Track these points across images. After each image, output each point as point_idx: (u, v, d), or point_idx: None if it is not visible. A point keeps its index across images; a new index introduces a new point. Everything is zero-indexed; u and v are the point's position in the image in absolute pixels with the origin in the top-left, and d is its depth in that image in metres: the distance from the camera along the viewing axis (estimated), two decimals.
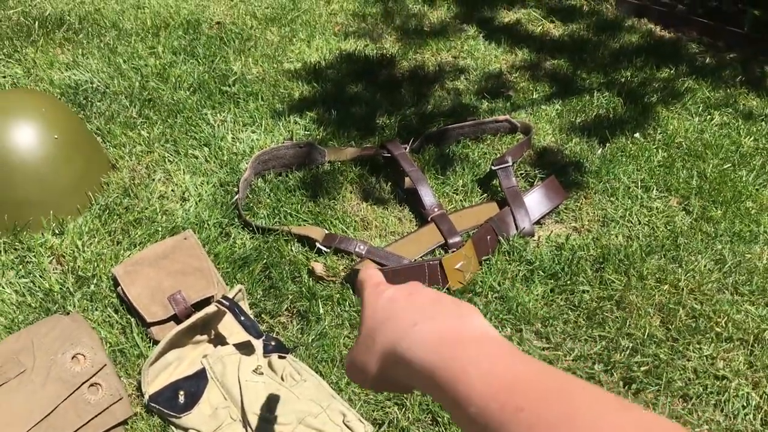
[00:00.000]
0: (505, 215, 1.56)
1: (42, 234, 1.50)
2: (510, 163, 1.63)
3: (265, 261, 1.46)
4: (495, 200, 1.65)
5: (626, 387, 1.26)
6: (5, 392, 1.08)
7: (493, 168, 1.62)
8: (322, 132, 1.85)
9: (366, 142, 1.82)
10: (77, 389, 1.11)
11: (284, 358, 1.26)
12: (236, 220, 1.57)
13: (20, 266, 1.44)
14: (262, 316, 1.37)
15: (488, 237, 1.50)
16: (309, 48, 2.29)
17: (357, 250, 1.48)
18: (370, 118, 1.91)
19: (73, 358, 1.13)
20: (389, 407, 1.22)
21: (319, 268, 1.46)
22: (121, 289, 1.33)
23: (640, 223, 1.62)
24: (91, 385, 1.13)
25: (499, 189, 1.65)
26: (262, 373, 1.22)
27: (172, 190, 1.65)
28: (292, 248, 1.51)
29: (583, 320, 1.38)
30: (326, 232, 1.53)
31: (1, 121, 1.46)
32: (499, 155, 1.76)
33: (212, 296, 1.34)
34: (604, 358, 1.30)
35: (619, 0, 2.64)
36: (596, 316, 1.38)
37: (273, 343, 1.28)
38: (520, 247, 1.51)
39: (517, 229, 1.55)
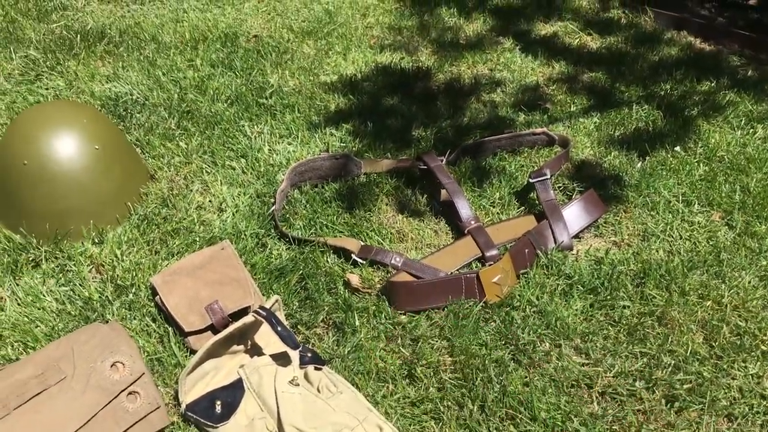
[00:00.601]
0: (543, 228, 1.54)
1: (82, 243, 1.52)
2: (548, 176, 1.61)
3: (301, 272, 1.46)
4: (533, 213, 1.63)
5: (668, 405, 1.23)
6: (46, 399, 1.09)
7: (530, 181, 1.61)
8: (357, 144, 1.85)
9: (402, 154, 1.82)
10: (116, 397, 1.12)
11: (320, 369, 1.26)
12: (273, 231, 1.58)
13: (61, 275, 1.46)
14: (298, 327, 1.37)
15: (526, 250, 1.48)
16: (345, 61, 2.30)
17: (393, 262, 1.47)
18: (405, 131, 1.91)
19: (112, 366, 1.13)
20: (426, 421, 1.20)
21: (354, 279, 1.45)
22: (159, 298, 1.34)
23: (681, 238, 1.59)
24: (130, 393, 1.13)
25: (537, 202, 1.63)
26: (298, 384, 1.22)
27: (210, 201, 1.66)
28: (328, 259, 1.51)
29: (624, 336, 1.35)
30: (362, 243, 1.52)
31: (44, 132, 1.49)
32: (536, 168, 1.74)
33: (249, 306, 1.34)
34: (646, 375, 1.27)
35: (658, 13, 2.61)
36: (637, 332, 1.35)
37: (309, 355, 1.27)
38: (558, 260, 1.49)
39: (555, 242, 1.52)
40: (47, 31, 2.39)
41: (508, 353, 1.31)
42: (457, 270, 1.49)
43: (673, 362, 1.29)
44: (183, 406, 1.18)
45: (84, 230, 1.52)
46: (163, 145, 1.82)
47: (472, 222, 1.55)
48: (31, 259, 1.48)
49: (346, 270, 1.49)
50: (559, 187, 1.73)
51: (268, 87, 2.10)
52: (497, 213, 1.65)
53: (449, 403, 1.23)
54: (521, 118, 1.97)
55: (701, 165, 1.81)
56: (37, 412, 1.07)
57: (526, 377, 1.27)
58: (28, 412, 1.07)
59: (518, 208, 1.66)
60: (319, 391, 1.22)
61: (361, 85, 2.15)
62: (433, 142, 1.85)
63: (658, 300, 1.41)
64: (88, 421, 1.09)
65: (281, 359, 1.25)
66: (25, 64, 2.19)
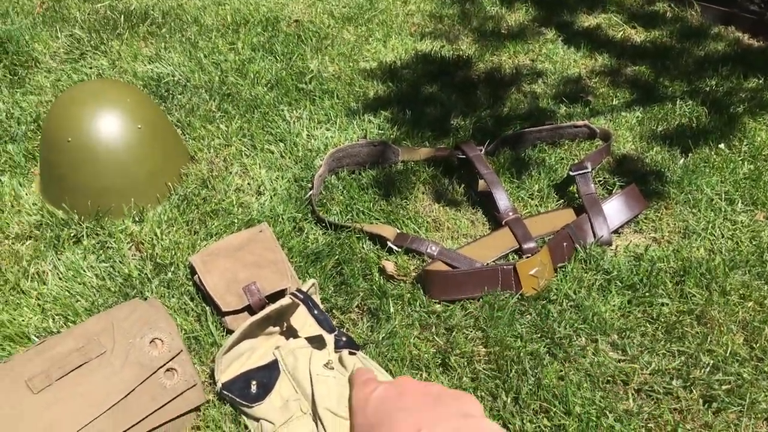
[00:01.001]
0: (582, 222, 1.52)
1: (122, 221, 1.54)
2: (589, 169, 1.59)
3: (337, 257, 1.46)
4: (571, 207, 1.61)
5: (706, 405, 1.21)
6: (87, 372, 1.11)
7: (571, 173, 1.59)
8: (396, 131, 1.84)
9: (440, 143, 1.81)
10: (154, 373, 1.13)
11: (354, 354, 1.26)
12: (310, 215, 1.58)
13: (101, 251, 1.48)
14: (333, 311, 1.37)
15: (564, 244, 1.47)
16: (385, 48, 2.29)
17: (429, 251, 1.47)
18: (444, 119, 1.90)
19: (151, 342, 1.15)
20: None
21: (390, 267, 1.45)
22: (198, 277, 1.35)
23: (723, 237, 1.56)
24: (168, 370, 1.15)
25: (577, 195, 1.61)
26: (332, 368, 1.22)
27: (248, 184, 1.68)
28: (364, 246, 1.51)
29: (662, 334, 1.33)
30: (398, 231, 1.52)
31: (88, 110, 1.51)
32: (577, 161, 1.72)
33: (286, 289, 1.35)
34: (683, 374, 1.25)
35: (705, 7, 2.55)
36: (675, 330, 1.33)
37: (344, 339, 1.28)
38: (597, 255, 1.47)
39: (594, 237, 1.51)
40: (92, 11, 2.42)
41: (544, 346, 1.30)
42: (494, 261, 1.48)
43: (711, 362, 1.27)
44: (219, 384, 1.19)
45: (125, 208, 1.54)
46: (203, 127, 1.83)
47: (510, 213, 1.54)
48: (72, 234, 1.50)
49: (382, 257, 1.49)
50: (600, 181, 1.71)
51: (307, 72, 2.10)
52: (535, 205, 1.63)
53: (483, 393, 1.23)
54: (562, 110, 1.95)
55: (746, 163, 1.77)
56: (78, 384, 1.09)
57: (561, 371, 1.26)
58: (69, 384, 1.09)
59: (557, 201, 1.65)
60: None
61: (400, 72, 2.14)
62: (472, 132, 1.84)
63: (697, 299, 1.39)
64: (126, 395, 1.10)
65: (316, 342, 1.26)
66: (70, 43, 2.22)
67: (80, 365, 1.11)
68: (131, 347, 1.13)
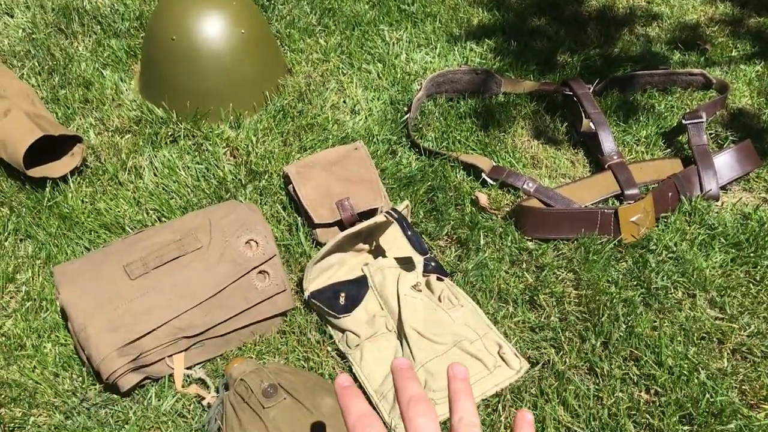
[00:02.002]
0: (690, 174, 1.44)
1: (219, 125, 1.54)
2: (703, 120, 1.50)
3: (429, 183, 1.43)
4: (679, 157, 1.53)
5: None
6: (182, 265, 1.12)
7: (684, 122, 1.50)
8: (498, 62, 1.78)
9: (543, 79, 1.73)
10: (247, 273, 1.14)
11: (442, 280, 1.25)
12: (404, 139, 1.55)
13: (197, 153, 1.49)
14: (422, 237, 1.35)
15: (670, 194, 1.40)
16: None
17: (525, 186, 1.42)
18: (550, 54, 1.81)
19: (246, 243, 1.15)
20: (545, 348, 1.17)
21: (483, 199, 1.42)
22: (292, 187, 1.35)
23: None
24: (260, 272, 1.15)
25: (686, 146, 1.53)
26: (420, 290, 1.21)
27: (344, 101, 1.65)
28: (458, 175, 1.47)
29: (765, 296, 1.26)
30: (494, 164, 1.48)
31: (195, 11, 1.49)
32: (688, 110, 1.62)
33: (378, 208, 1.33)
34: None
35: None
36: None
37: (433, 264, 1.26)
38: (702, 209, 1.40)
39: (701, 190, 1.43)
40: None
41: (639, 295, 1.25)
42: (592, 204, 1.42)
43: None
44: (306, 293, 1.19)
45: (222, 113, 1.54)
46: (302, 40, 1.81)
47: (615, 157, 1.47)
48: (169, 133, 1.52)
49: (475, 188, 1.45)
50: (711, 134, 1.61)
51: None
52: (641, 151, 1.55)
53: (571, 334, 1.19)
54: (676, 57, 1.84)
55: None
56: (173, 275, 1.11)
57: (655, 322, 1.21)
58: (165, 274, 1.11)
59: (663, 150, 1.56)
60: (440, 300, 1.21)
61: (507, 1, 2.05)
62: (579, 70, 1.76)
63: None
64: (219, 291, 1.12)
65: (405, 264, 1.25)
66: None
67: (176, 257, 1.13)
68: (227, 246, 1.14)
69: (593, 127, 1.52)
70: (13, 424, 1.08)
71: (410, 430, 0.43)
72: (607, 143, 1.49)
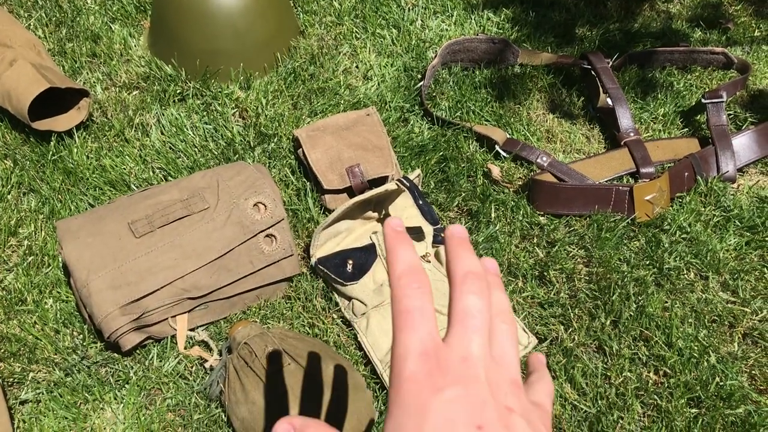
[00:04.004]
0: (707, 154, 1.41)
1: (228, 86, 1.51)
2: (723, 99, 1.46)
3: (441, 153, 1.40)
4: (696, 137, 1.49)
5: None
6: (188, 224, 1.10)
7: (704, 101, 1.46)
8: (516, 32, 1.73)
9: (561, 51, 1.69)
10: (254, 236, 1.12)
11: None
12: (417, 107, 1.52)
13: (205, 113, 1.46)
14: (432, 207, 1.33)
15: (686, 173, 1.37)
16: None
17: (539, 161, 1.40)
18: (569, 26, 1.77)
19: (254, 205, 1.13)
20: (554, 324, 1.16)
21: (496, 171, 1.39)
22: (302, 151, 1.32)
23: None
24: (267, 235, 1.13)
25: (704, 126, 1.50)
26: (429, 261, 1.19)
27: (357, 66, 1.61)
28: (471, 146, 1.44)
29: None
30: (508, 136, 1.44)
31: None
32: (707, 90, 1.59)
33: (388, 176, 1.31)
34: None
35: None
36: None
37: (442, 235, 1.23)
38: (718, 191, 1.37)
39: (718, 171, 1.40)
40: None
41: (651, 275, 1.23)
42: (607, 181, 1.40)
43: None
44: (313, 259, 1.17)
45: (232, 73, 1.50)
46: (316, 2, 1.76)
47: (631, 134, 1.44)
48: (178, 92, 1.48)
49: (488, 160, 1.42)
50: (729, 114, 1.57)
51: None
52: (658, 129, 1.52)
53: (580, 311, 1.18)
54: (697, 35, 1.79)
55: None
56: (179, 234, 1.09)
57: (666, 302, 1.19)
58: (170, 233, 1.09)
59: (681, 129, 1.53)
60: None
61: None
62: (598, 44, 1.71)
63: None
64: (225, 253, 1.10)
65: (414, 234, 1.22)
66: None
67: (182, 217, 1.10)
68: (234, 207, 1.12)
69: (610, 102, 1.49)
70: (12, 379, 1.07)
71: (458, 308, 0.37)
72: (625, 119, 1.45)
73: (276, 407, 0.94)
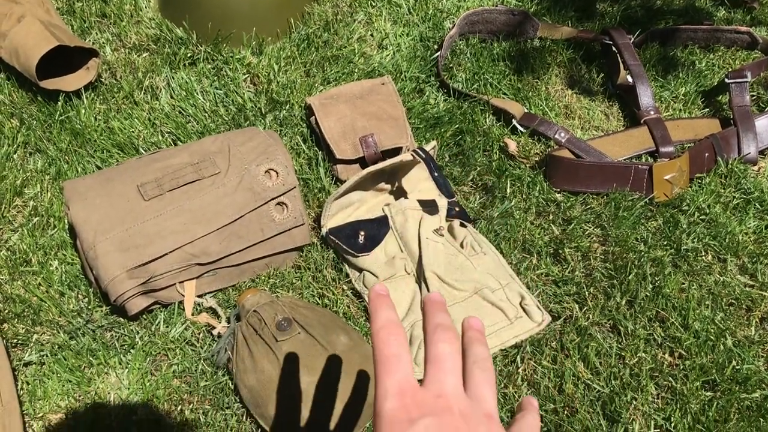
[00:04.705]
0: (729, 135, 1.38)
1: (240, 50, 1.47)
2: (748, 79, 1.43)
3: (457, 126, 1.37)
4: (717, 117, 1.46)
5: None
6: (198, 189, 1.07)
7: (727, 81, 1.43)
8: (535, 5, 1.69)
9: (582, 26, 1.65)
10: (265, 204, 1.09)
11: (465, 227, 1.20)
12: (433, 78, 1.48)
13: (216, 77, 1.43)
14: (447, 180, 1.30)
15: (706, 154, 1.34)
16: None
17: (557, 136, 1.36)
18: (590, 1, 1.72)
19: (266, 172, 1.10)
20: (568, 303, 1.13)
21: (512, 146, 1.36)
22: (315, 119, 1.29)
23: None
24: (278, 203, 1.10)
25: (726, 106, 1.47)
26: (442, 235, 1.16)
27: (371, 35, 1.57)
28: (487, 119, 1.41)
29: None
30: (526, 110, 1.41)
31: None
32: (731, 69, 1.55)
33: (402, 147, 1.28)
34: None
35: None
36: None
37: (457, 209, 1.21)
38: (739, 172, 1.34)
39: (739, 153, 1.37)
40: None
41: (668, 255, 1.20)
42: (625, 159, 1.37)
43: None
44: (324, 229, 1.15)
45: (245, 37, 1.47)
46: None
47: (652, 112, 1.41)
48: (188, 55, 1.45)
49: (505, 134, 1.39)
50: (752, 96, 1.54)
51: None
52: (678, 109, 1.49)
53: (595, 290, 1.15)
54: (721, 13, 1.75)
55: None
56: (189, 199, 1.06)
57: (683, 284, 1.17)
58: (180, 197, 1.06)
59: (701, 109, 1.50)
60: (462, 246, 1.17)
61: None
62: (619, 20, 1.67)
63: None
64: (236, 220, 1.07)
65: (428, 207, 1.19)
66: None
67: (193, 181, 1.08)
68: (246, 173, 1.09)
69: (630, 79, 1.45)
70: (16, 340, 1.05)
71: (431, 355, 0.42)
72: (645, 97, 1.42)
73: (285, 376, 0.92)
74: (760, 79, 1.57)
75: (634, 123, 1.43)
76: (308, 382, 0.92)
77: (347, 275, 1.14)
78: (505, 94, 1.47)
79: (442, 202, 1.18)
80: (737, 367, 1.06)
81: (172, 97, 1.39)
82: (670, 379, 1.05)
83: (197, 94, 1.39)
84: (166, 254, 1.03)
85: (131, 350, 1.05)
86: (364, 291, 1.11)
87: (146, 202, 1.05)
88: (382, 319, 0.43)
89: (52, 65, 1.33)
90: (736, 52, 1.63)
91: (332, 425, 0.91)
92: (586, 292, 1.14)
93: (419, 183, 1.23)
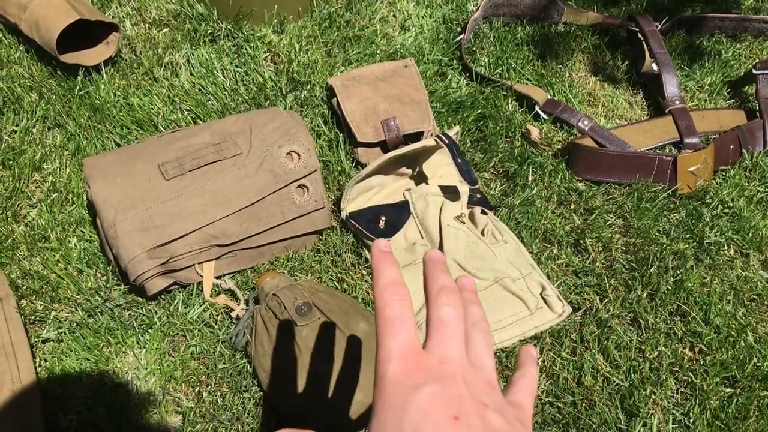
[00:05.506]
0: (755, 127, 1.36)
1: (261, 28, 1.45)
2: None
3: (480, 111, 1.35)
4: (743, 109, 1.44)
5: None
6: (219, 170, 1.06)
7: (755, 71, 1.40)
8: None
9: (607, 12, 1.62)
10: (286, 186, 1.08)
11: (486, 214, 1.18)
12: (455, 61, 1.46)
13: (236, 55, 1.41)
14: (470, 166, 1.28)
15: (731, 146, 1.32)
16: None
17: (580, 124, 1.35)
18: None
19: (287, 154, 1.09)
20: (588, 294, 1.12)
21: (535, 132, 1.34)
22: (336, 100, 1.27)
23: None
24: (299, 186, 1.09)
25: (752, 98, 1.44)
26: (463, 222, 1.15)
27: (394, 16, 1.55)
28: (510, 105, 1.39)
29: None
30: (549, 97, 1.39)
31: None
32: (759, 60, 1.52)
33: (424, 131, 1.26)
34: None
35: None
36: None
37: (478, 196, 1.20)
38: (764, 166, 1.32)
39: (765, 146, 1.35)
40: None
41: (690, 249, 1.19)
42: (649, 149, 1.35)
43: None
44: (344, 213, 1.14)
45: (266, 15, 1.45)
46: None
47: (677, 101, 1.39)
48: (209, 32, 1.43)
49: (527, 121, 1.37)
50: None
51: None
52: (704, 99, 1.46)
53: (616, 282, 1.14)
54: (749, 2, 1.72)
55: None
56: (210, 179, 1.05)
57: (705, 278, 1.16)
58: (201, 177, 1.05)
59: (727, 100, 1.47)
60: (483, 234, 1.15)
61: None
62: (645, 6, 1.64)
63: None
64: (256, 202, 1.06)
65: (449, 193, 1.18)
66: None
67: (214, 161, 1.07)
68: (268, 155, 1.08)
69: (655, 67, 1.43)
70: (34, 317, 1.05)
71: (435, 318, 0.41)
72: (671, 86, 1.40)
73: (304, 362, 0.92)
74: None
75: (658, 112, 1.41)
76: (327, 367, 0.92)
77: (367, 260, 1.13)
78: (528, 79, 1.45)
79: (464, 189, 1.17)
80: (758, 364, 1.05)
81: (192, 74, 1.37)
82: (690, 374, 1.04)
83: (217, 71, 1.37)
84: (186, 235, 1.02)
85: (149, 330, 1.05)
86: None
87: (167, 181, 1.04)
88: (386, 279, 0.42)
89: (72, 38, 1.31)
90: (764, 42, 1.60)
91: (351, 411, 0.90)
92: (607, 284, 1.13)
93: (440, 168, 1.22)
